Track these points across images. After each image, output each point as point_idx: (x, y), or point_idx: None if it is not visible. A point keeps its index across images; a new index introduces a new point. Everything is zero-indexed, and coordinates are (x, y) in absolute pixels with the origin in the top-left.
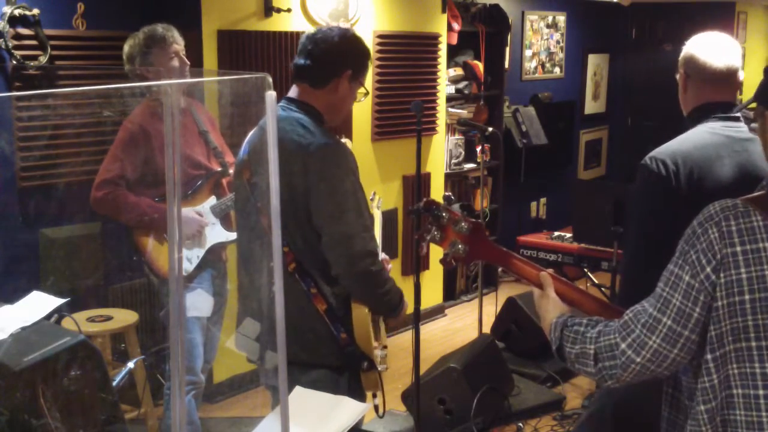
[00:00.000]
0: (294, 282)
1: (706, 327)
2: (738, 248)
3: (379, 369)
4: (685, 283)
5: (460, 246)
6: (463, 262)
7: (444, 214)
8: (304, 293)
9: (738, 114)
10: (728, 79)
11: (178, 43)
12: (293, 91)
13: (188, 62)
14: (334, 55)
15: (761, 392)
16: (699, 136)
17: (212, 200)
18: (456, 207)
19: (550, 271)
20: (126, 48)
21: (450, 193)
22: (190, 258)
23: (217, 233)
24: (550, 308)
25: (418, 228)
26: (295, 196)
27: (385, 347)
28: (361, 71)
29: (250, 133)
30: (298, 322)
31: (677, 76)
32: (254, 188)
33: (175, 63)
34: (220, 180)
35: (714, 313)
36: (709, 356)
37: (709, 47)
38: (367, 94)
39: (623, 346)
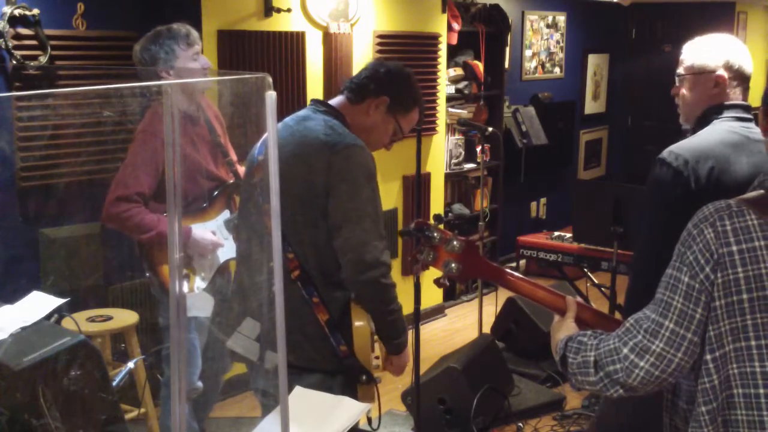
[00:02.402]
0: (296, 290)
1: (705, 328)
2: (734, 247)
3: (375, 379)
4: (685, 284)
5: (453, 265)
6: (457, 280)
7: (435, 235)
8: (306, 301)
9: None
10: (748, 80)
11: (198, 43)
12: (332, 100)
13: (210, 63)
14: (378, 77)
15: (762, 391)
16: (720, 135)
17: (226, 214)
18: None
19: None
20: (138, 47)
21: (442, 212)
22: (205, 278)
23: (228, 249)
24: (563, 329)
25: (417, 247)
26: (313, 194)
27: (377, 357)
28: (400, 107)
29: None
30: (295, 330)
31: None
32: (264, 189)
33: (198, 64)
34: (233, 193)
35: (712, 313)
36: (708, 357)
37: (735, 49)
38: (401, 138)
39: (625, 350)
